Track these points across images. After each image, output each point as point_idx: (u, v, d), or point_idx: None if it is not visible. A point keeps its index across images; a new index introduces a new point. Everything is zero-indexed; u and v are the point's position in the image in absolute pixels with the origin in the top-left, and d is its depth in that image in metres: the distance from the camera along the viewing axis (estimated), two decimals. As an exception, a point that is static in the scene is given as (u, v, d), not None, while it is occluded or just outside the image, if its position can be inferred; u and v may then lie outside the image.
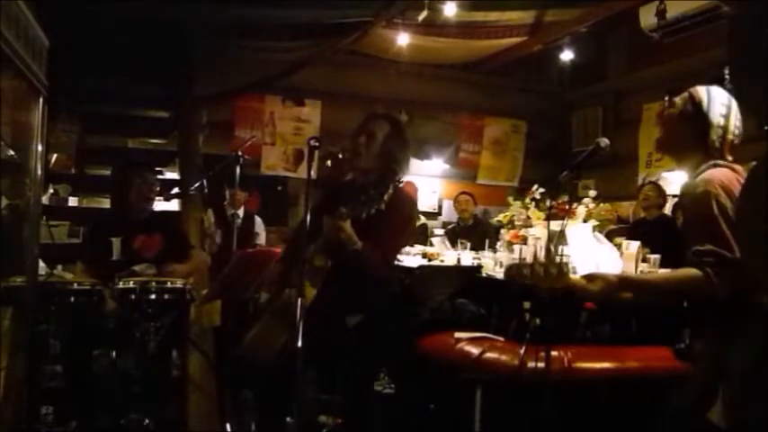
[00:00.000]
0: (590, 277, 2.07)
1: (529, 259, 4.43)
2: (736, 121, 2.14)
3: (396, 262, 3.48)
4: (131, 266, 3.58)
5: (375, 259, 2.62)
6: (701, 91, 2.16)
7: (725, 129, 2.11)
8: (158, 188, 4.05)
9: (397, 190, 2.68)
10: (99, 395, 3.22)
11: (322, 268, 2.58)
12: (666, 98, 2.25)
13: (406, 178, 6.80)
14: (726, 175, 2.03)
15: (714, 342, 2.00)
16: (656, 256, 4.01)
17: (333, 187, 2.85)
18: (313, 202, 2.45)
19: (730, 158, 2.12)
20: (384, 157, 2.72)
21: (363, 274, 2.62)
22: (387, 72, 7.16)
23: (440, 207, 7.97)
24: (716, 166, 2.08)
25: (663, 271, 2.18)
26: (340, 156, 2.78)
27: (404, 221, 2.81)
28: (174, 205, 5.73)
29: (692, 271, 1.96)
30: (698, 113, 2.13)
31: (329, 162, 2.82)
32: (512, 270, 2.17)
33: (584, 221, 4.25)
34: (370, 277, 2.66)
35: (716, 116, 2.12)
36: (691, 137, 2.14)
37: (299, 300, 2.29)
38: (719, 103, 2.13)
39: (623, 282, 2.13)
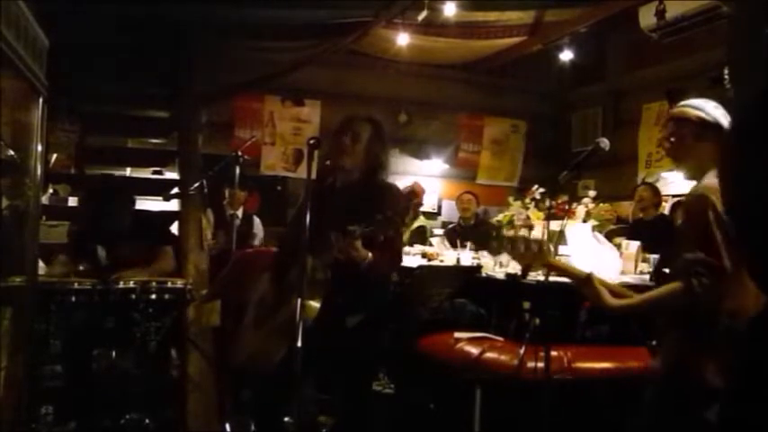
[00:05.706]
0: (584, 283, 2.12)
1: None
2: None
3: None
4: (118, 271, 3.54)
5: (388, 262, 2.69)
6: (706, 108, 2.11)
7: None
8: (129, 210, 3.85)
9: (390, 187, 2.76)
10: (99, 395, 3.22)
11: (323, 281, 2.59)
12: (671, 120, 2.20)
13: (413, 179, 6.86)
14: None
15: (678, 341, 2.04)
16: (654, 256, 4.01)
17: (322, 187, 2.84)
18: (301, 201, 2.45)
19: None
20: (367, 158, 2.74)
21: (371, 278, 2.62)
22: (386, 72, 7.15)
23: (439, 207, 7.96)
24: None
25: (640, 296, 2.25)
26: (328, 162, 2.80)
27: (402, 216, 2.84)
28: (173, 205, 5.73)
29: (670, 286, 1.99)
30: (718, 132, 2.06)
31: (329, 162, 2.81)
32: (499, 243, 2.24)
33: (584, 221, 4.24)
34: (376, 278, 2.68)
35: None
36: (709, 152, 2.07)
37: (298, 300, 2.29)
38: (721, 114, 2.09)
39: (608, 306, 2.12)
